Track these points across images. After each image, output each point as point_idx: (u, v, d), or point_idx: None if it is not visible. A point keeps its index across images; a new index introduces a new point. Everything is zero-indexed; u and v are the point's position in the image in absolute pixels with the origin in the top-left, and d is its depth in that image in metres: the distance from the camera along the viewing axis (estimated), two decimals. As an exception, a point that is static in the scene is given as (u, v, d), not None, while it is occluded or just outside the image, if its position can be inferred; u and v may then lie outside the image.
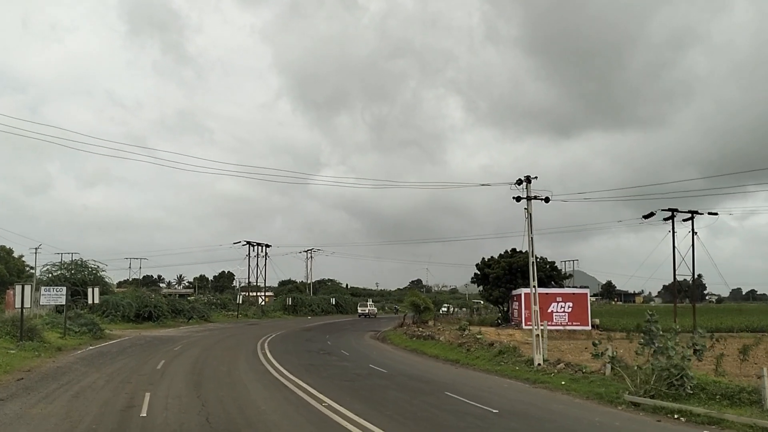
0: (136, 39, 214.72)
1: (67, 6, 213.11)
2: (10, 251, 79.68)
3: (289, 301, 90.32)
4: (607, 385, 17.78)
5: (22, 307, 27.37)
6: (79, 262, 58.79)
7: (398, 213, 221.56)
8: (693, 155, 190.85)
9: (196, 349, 30.43)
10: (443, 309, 74.99)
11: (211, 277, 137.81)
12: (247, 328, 53.76)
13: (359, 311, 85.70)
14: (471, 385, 19.59)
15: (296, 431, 11.80)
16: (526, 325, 48.09)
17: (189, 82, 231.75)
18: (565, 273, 78.05)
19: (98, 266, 58.66)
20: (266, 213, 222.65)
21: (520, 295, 49.61)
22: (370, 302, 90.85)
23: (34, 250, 71.57)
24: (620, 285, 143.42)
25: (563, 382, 19.35)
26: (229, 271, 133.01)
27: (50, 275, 55.39)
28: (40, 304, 39.84)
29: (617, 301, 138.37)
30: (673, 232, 49.39)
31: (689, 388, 14.97)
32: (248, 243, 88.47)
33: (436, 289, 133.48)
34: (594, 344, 18.48)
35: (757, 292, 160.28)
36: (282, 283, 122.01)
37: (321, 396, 15.86)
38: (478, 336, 30.58)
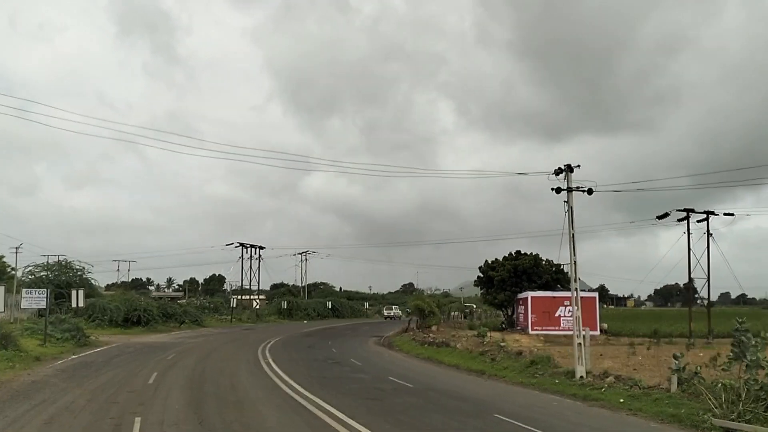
0: (126, 39, 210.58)
1: (56, 5, 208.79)
2: (-8, 252, 75.72)
3: (284, 305, 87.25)
4: (679, 405, 15.16)
5: (-4, 312, 24.43)
6: (63, 263, 55.10)
7: (389, 216, 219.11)
8: (683, 159, 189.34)
9: (192, 358, 27.57)
10: (453, 313, 73.38)
11: (201, 280, 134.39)
12: (243, 333, 50.85)
13: (385, 314, 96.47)
14: (515, 402, 16.92)
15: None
16: (532, 329, 45.76)
17: (179, 83, 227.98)
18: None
19: (84, 267, 55.36)
20: (256, 216, 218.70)
21: (527, 298, 47.16)
22: (395, 307, 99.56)
23: (14, 249, 66.94)
24: (612, 289, 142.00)
25: (621, 400, 16.66)
26: (219, 274, 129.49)
27: (32, 276, 52.03)
28: (21, 307, 36.84)
29: (609, 305, 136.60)
30: (689, 233, 47.37)
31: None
32: (242, 245, 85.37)
33: (428, 292, 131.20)
34: (675, 357, 15.76)
35: (747, 296, 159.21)
36: (274, 287, 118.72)
37: (351, 422, 13.03)
38: (502, 344, 27.90)
